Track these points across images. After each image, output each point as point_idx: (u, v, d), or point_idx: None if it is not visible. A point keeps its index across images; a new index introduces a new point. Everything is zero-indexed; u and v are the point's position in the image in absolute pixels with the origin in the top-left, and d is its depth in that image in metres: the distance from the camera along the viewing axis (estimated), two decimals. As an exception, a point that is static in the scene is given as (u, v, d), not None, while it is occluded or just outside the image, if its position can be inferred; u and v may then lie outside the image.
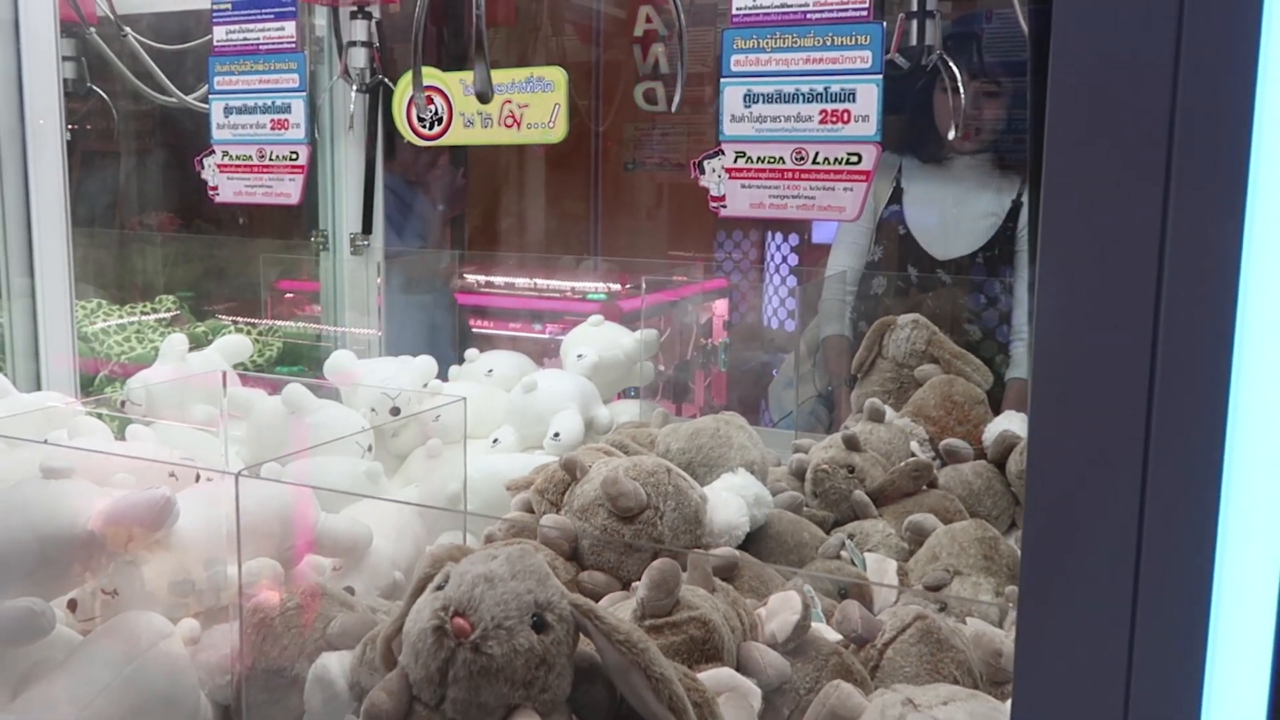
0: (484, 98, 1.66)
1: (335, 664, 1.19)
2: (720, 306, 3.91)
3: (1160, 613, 0.58)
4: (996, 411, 2.06)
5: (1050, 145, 0.58)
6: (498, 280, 4.45)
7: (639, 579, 1.17)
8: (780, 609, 1.20)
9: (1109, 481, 0.58)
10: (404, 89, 2.16)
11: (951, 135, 2.24)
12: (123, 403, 2.13)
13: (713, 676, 1.08)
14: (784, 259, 4.50)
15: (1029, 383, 0.61)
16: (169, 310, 3.08)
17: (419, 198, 3.93)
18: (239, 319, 3.12)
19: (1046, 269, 0.59)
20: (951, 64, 1.93)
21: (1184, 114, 0.55)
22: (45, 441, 1.55)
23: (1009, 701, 1.06)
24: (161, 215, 4.43)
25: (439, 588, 0.94)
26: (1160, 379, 0.56)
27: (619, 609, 1.19)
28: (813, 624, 1.20)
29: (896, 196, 2.65)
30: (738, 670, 1.12)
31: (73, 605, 1.28)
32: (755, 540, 1.60)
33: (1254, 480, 0.55)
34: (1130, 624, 0.58)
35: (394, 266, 3.06)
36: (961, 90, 1.98)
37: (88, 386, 2.59)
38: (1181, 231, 0.56)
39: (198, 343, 2.39)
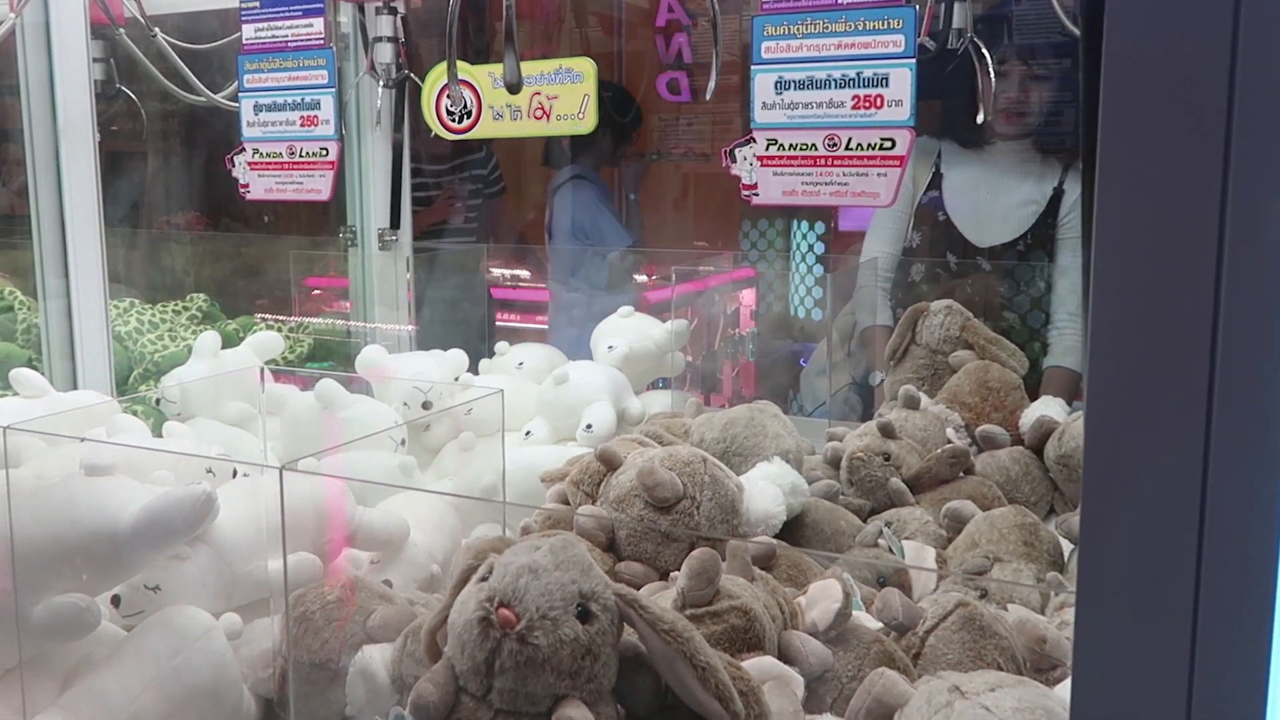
0: (514, 88, 1.66)
1: (377, 657, 1.20)
2: (747, 296, 3.90)
3: (1223, 599, 0.57)
4: (1032, 398, 2.04)
5: (1105, 128, 0.57)
6: (523, 274, 4.45)
7: (677, 569, 1.17)
8: (820, 597, 1.20)
9: (1169, 466, 0.57)
10: (433, 82, 2.16)
11: (980, 119, 2.21)
12: (158, 401, 2.15)
13: (755, 665, 1.07)
14: (810, 248, 4.48)
15: (1086, 370, 0.60)
16: (200, 308, 3.10)
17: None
18: (269, 316, 3.14)
19: (1101, 255, 0.58)
20: (983, 48, 1.91)
21: (1243, 93, 0.54)
22: (85, 439, 1.56)
23: (1056, 687, 1.05)
24: (189, 214, 4.46)
25: (483, 579, 0.94)
26: (1220, 366, 0.55)
27: (659, 599, 1.18)
28: (853, 612, 1.20)
29: (936, 182, 2.62)
30: (779, 659, 1.12)
31: (116, 601, 1.29)
32: (792, 529, 1.59)
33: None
34: (1193, 610, 0.57)
35: (423, 261, 3.07)
36: (992, 74, 1.96)
37: (123, 385, 2.62)
38: (1241, 215, 0.54)
39: (229, 340, 2.40)
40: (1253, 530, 0.56)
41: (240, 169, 2.23)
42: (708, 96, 1.70)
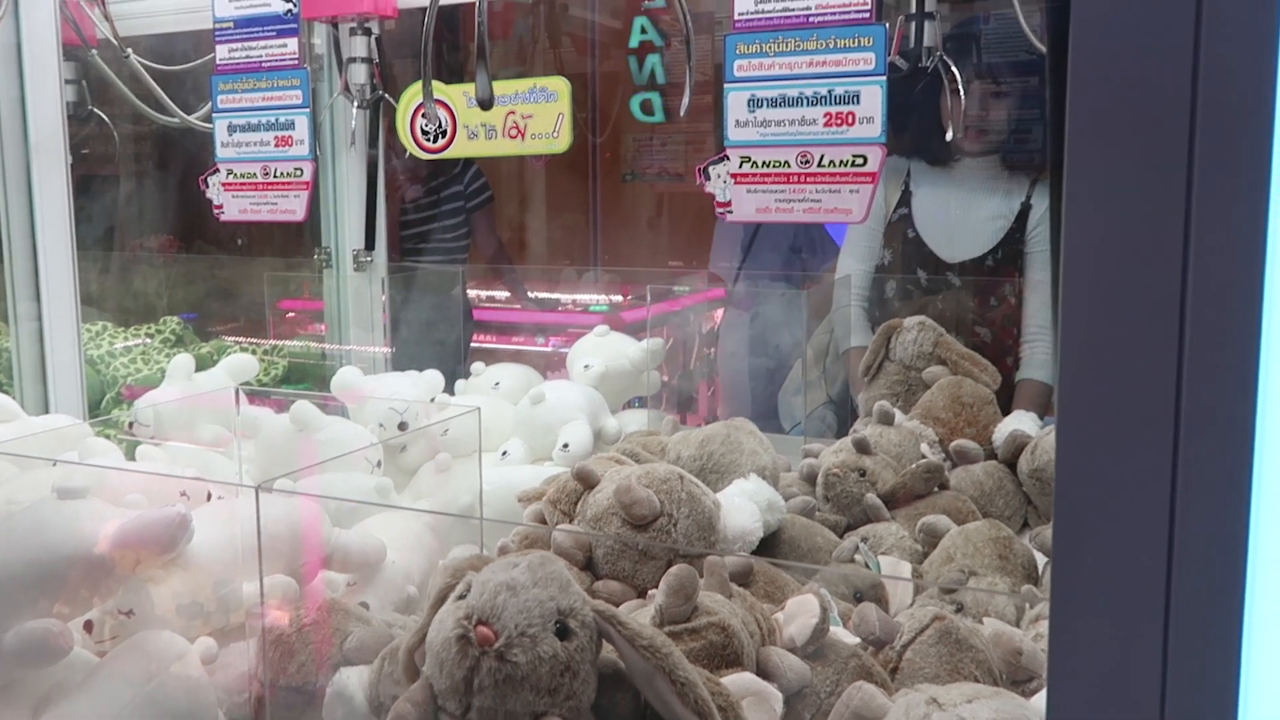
0: (485, 104, 1.67)
1: (354, 679, 1.19)
2: (722, 315, 3.91)
3: (1194, 609, 0.58)
4: (1005, 411, 2.06)
5: (1071, 142, 0.58)
6: (499, 294, 4.45)
7: (654, 587, 1.17)
8: (798, 613, 1.20)
9: (1139, 477, 0.58)
10: (408, 102, 2.16)
11: (950, 136, 2.24)
12: (131, 424, 2.13)
13: (734, 681, 1.07)
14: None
15: (1056, 383, 0.61)
16: (174, 331, 3.08)
17: None
18: (243, 339, 3.12)
19: (1070, 269, 0.59)
20: (952, 66, 1.94)
21: (1205, 108, 0.55)
22: (57, 462, 1.55)
23: (1033, 699, 1.06)
24: (163, 237, 4.43)
25: (460, 597, 0.94)
26: (1188, 376, 0.56)
27: (638, 616, 1.18)
28: (830, 627, 1.20)
29: (905, 200, 2.65)
30: (758, 675, 1.12)
31: (89, 626, 1.28)
32: (768, 546, 1.60)
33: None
34: (1164, 620, 0.58)
35: (400, 282, 3.06)
36: (962, 92, 1.98)
37: (95, 409, 2.59)
38: (1206, 228, 0.55)
39: (203, 363, 2.39)
40: (1222, 541, 0.57)
41: (214, 190, 2.23)
42: (682, 114, 1.72)
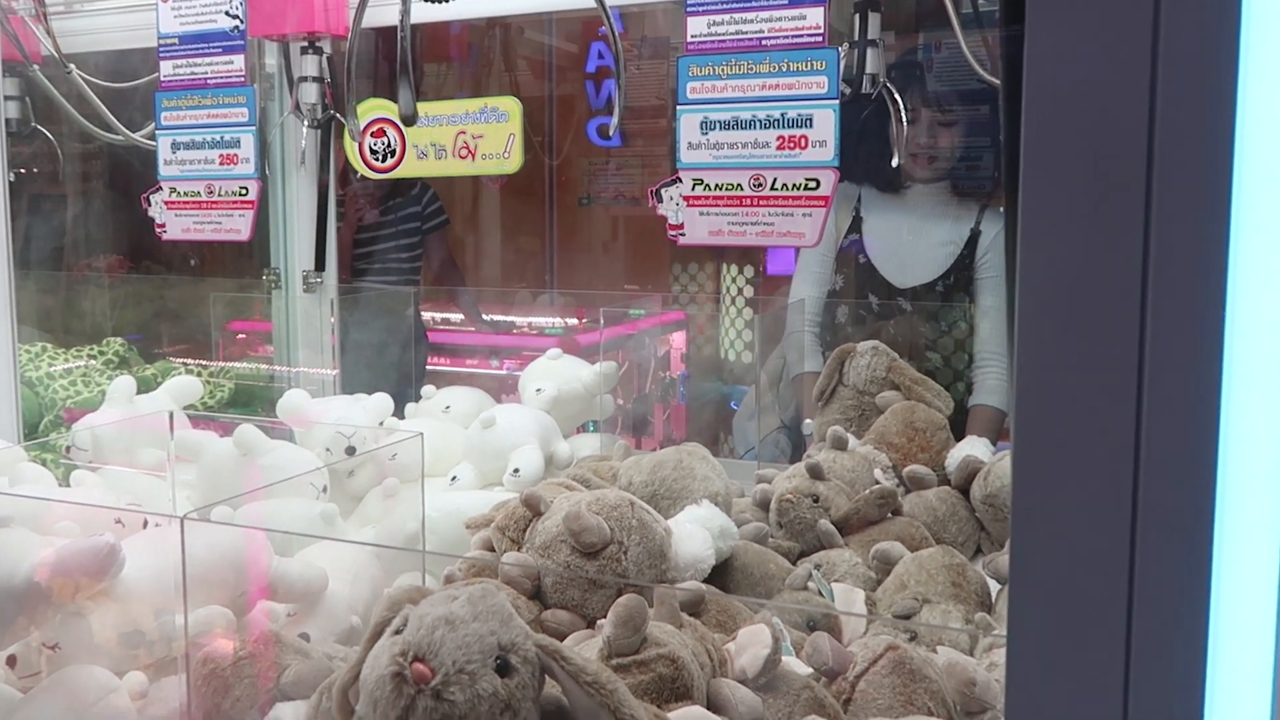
0: (408, 121, 1.66)
1: (290, 715, 1.15)
2: (678, 339, 3.90)
3: (1155, 638, 0.56)
4: (958, 437, 2.06)
5: (1026, 170, 0.57)
6: (454, 317, 4.41)
7: (604, 617, 1.14)
8: (749, 643, 1.18)
9: (1096, 503, 0.56)
10: (360, 120, 2.13)
11: (895, 162, 2.24)
12: (68, 448, 2.07)
13: (683, 715, 1.05)
14: (740, 291, 4.51)
15: (1011, 409, 0.59)
16: (117, 353, 3.00)
17: None
18: (190, 361, 3.05)
19: (1025, 295, 0.58)
20: (895, 93, 1.94)
21: (1162, 136, 0.54)
22: (-16, 490, 1.49)
23: (986, 732, 1.04)
24: (110, 257, 4.35)
25: (397, 631, 0.91)
26: (1147, 402, 0.55)
27: (585, 648, 1.15)
28: (783, 658, 1.18)
29: (856, 226, 2.66)
30: (708, 708, 1.09)
31: (12, 661, 1.23)
32: (721, 573, 1.57)
33: (1246, 503, 0.53)
34: (1125, 651, 0.56)
35: (351, 303, 3.02)
36: (905, 119, 1.99)
37: (32, 433, 2.52)
38: (1164, 256, 0.54)
39: (147, 386, 2.33)
40: (1183, 569, 0.56)
41: (157, 208, 2.18)
42: (611, 133, 1.71)
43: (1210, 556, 0.54)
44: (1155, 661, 0.56)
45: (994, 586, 1.60)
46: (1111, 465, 0.56)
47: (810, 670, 1.19)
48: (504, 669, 0.88)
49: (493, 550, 1.54)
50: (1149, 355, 0.54)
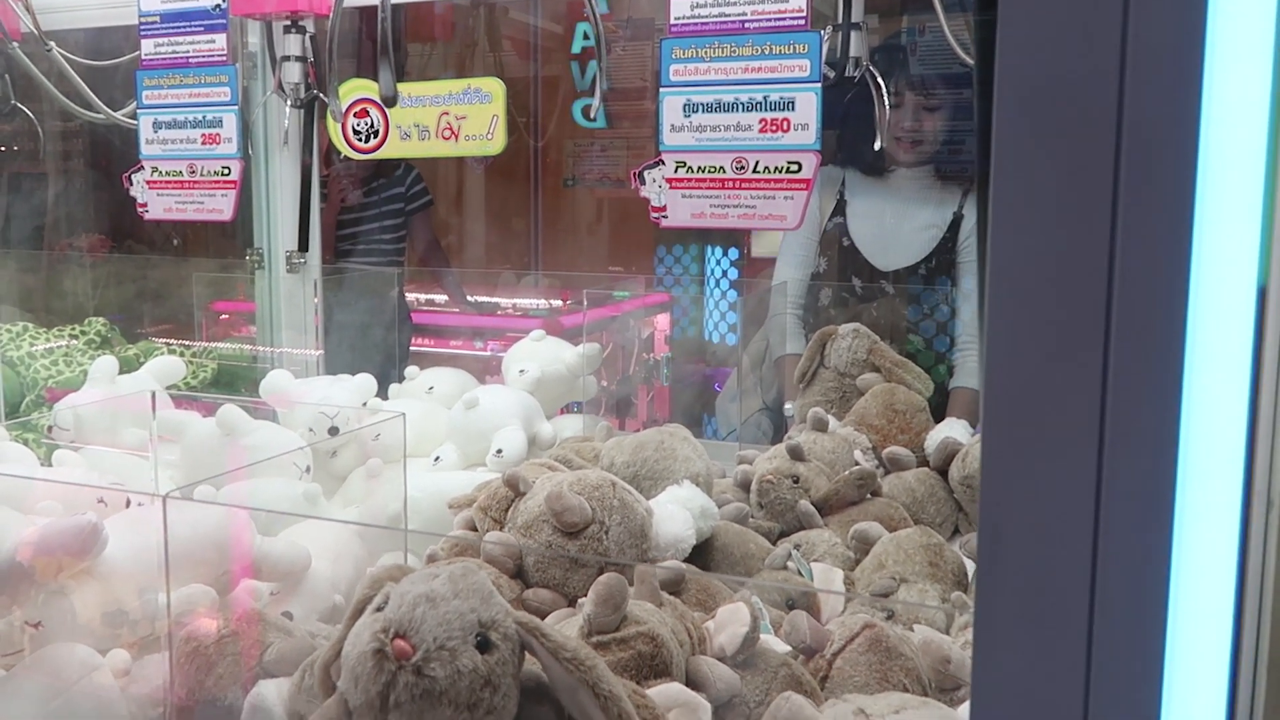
0: (389, 102, 1.65)
1: (273, 692, 1.16)
2: (662, 321, 3.91)
3: (1117, 618, 0.57)
4: (937, 419, 2.07)
5: (997, 155, 0.58)
6: (438, 298, 4.41)
7: (585, 595, 1.16)
8: (728, 621, 1.19)
9: (1062, 484, 0.58)
10: (341, 102, 2.13)
11: (877, 146, 2.25)
12: (50, 428, 2.06)
13: (662, 692, 1.06)
14: (724, 273, 4.52)
15: (981, 391, 0.60)
16: (99, 333, 2.99)
17: None
18: (173, 341, 3.04)
19: (995, 279, 0.59)
20: (878, 76, 1.95)
21: (1130, 124, 0.55)
22: (-34, 469, 1.49)
23: (959, 708, 1.06)
24: (93, 237, 4.32)
25: (379, 609, 0.92)
26: (1112, 384, 0.56)
27: (565, 626, 1.17)
28: (761, 636, 1.19)
29: (840, 209, 2.67)
30: (687, 685, 1.11)
31: (-6, 639, 1.23)
32: (701, 553, 1.59)
33: (1206, 482, 0.55)
34: (1088, 629, 0.58)
35: (335, 284, 3.01)
36: (887, 103, 2.00)
37: (13, 413, 2.51)
38: (1130, 241, 0.55)
39: (129, 366, 2.32)
40: (1146, 549, 0.57)
41: (138, 188, 2.17)
42: (592, 115, 1.71)
43: (1171, 537, 0.55)
44: (1116, 642, 0.58)
45: (970, 566, 1.62)
46: (1076, 445, 0.57)
47: (788, 648, 1.20)
48: (484, 645, 0.89)
49: (475, 530, 1.54)
50: (1114, 337, 0.55)
